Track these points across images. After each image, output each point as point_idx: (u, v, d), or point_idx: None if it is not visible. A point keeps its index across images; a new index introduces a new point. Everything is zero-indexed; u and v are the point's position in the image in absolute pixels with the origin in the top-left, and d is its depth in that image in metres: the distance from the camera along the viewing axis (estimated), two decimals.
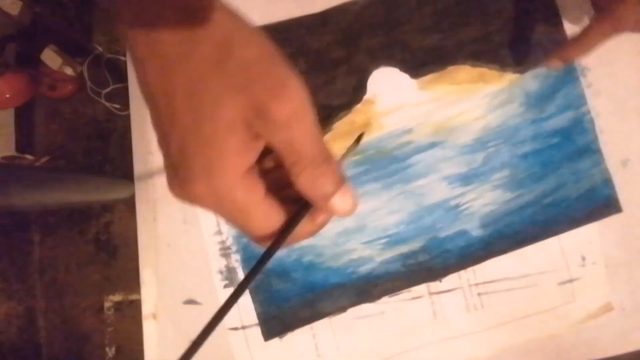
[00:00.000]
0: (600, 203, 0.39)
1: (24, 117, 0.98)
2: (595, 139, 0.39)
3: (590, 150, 0.39)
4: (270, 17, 0.38)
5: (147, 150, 0.38)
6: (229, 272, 0.38)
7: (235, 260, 0.38)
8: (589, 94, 0.40)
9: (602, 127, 0.40)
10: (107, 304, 0.97)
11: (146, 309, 0.37)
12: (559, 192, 0.39)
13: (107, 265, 0.99)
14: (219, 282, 0.38)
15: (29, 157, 0.96)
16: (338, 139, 0.38)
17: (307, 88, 0.20)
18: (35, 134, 1.01)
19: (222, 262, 0.38)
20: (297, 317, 0.37)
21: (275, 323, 0.37)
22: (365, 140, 0.38)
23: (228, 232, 0.38)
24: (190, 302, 0.38)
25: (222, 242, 0.38)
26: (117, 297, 0.98)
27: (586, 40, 0.35)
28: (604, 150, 0.39)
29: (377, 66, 0.38)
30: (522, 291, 0.39)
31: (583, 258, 0.39)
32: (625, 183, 0.40)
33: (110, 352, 0.98)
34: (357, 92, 0.38)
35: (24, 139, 0.97)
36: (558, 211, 0.38)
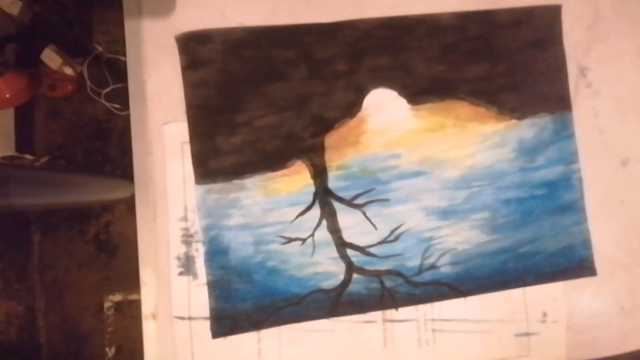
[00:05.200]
0: (575, 263, 0.39)
1: (23, 117, 0.97)
2: (581, 197, 0.39)
3: (574, 208, 0.39)
4: (272, 20, 0.38)
5: (147, 150, 0.38)
6: (187, 260, 0.37)
7: (196, 250, 0.37)
8: (589, 93, 0.40)
9: (602, 127, 0.40)
10: (107, 304, 0.97)
11: (146, 309, 0.37)
12: (534, 244, 0.38)
13: (107, 265, 0.99)
14: (174, 268, 0.37)
15: (29, 157, 0.95)
16: (327, 151, 0.38)
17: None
18: (35, 134, 1.01)
19: (182, 249, 0.37)
20: (250, 321, 0.37)
21: (226, 322, 0.37)
22: (351, 156, 0.38)
23: (195, 221, 0.37)
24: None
25: (186, 228, 0.37)
26: (117, 297, 0.98)
27: None
28: (605, 150, 0.39)
29: (376, 86, 0.38)
30: (477, 335, 0.38)
31: (544, 314, 0.39)
32: (624, 183, 0.40)
33: (110, 352, 0.98)
34: (352, 107, 0.38)
35: (24, 139, 0.97)
36: (531, 263, 0.38)
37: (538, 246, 0.38)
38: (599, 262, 0.39)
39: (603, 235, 0.40)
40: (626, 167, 0.40)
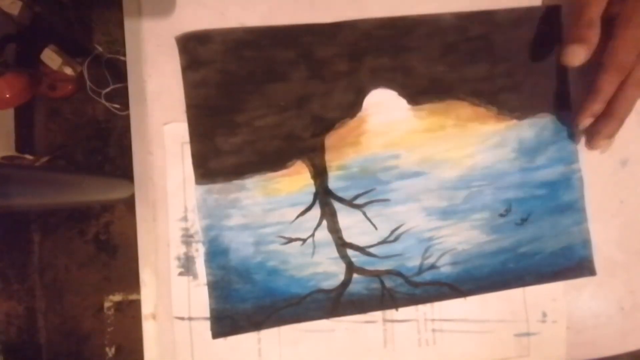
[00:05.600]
0: (575, 263, 0.39)
1: (23, 117, 0.98)
2: (581, 197, 0.39)
3: (574, 208, 0.39)
4: (272, 20, 0.38)
5: (147, 150, 0.38)
6: (187, 260, 0.37)
7: (196, 250, 0.37)
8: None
9: None
10: (107, 304, 0.98)
11: (146, 309, 0.37)
12: (534, 244, 0.38)
13: (107, 265, 0.99)
14: (174, 268, 0.37)
15: (28, 157, 0.96)
16: (327, 151, 0.37)
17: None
18: (35, 133, 1.01)
19: (182, 249, 0.37)
20: (250, 321, 0.37)
21: (227, 323, 0.37)
22: (351, 157, 0.38)
23: (195, 221, 0.37)
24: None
25: (186, 229, 0.37)
26: (117, 297, 0.98)
27: (601, 93, 0.36)
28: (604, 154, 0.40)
29: (377, 86, 0.38)
30: (477, 335, 0.38)
31: (544, 314, 0.39)
32: (624, 183, 0.40)
33: (110, 352, 0.98)
34: (352, 108, 0.38)
35: (24, 139, 0.97)
36: (531, 263, 0.38)
37: (538, 246, 0.39)
38: (598, 262, 0.39)
39: (602, 235, 0.40)
40: (625, 167, 0.40)
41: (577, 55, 0.36)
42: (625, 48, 0.35)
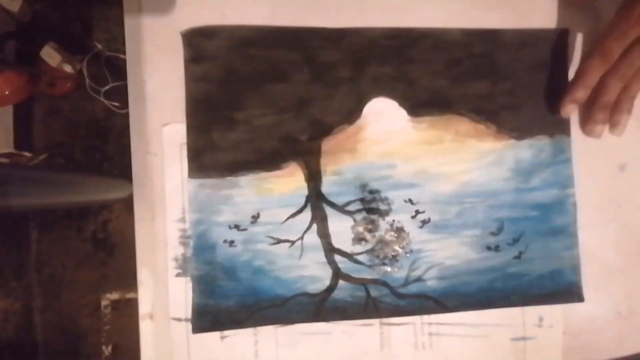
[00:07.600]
0: (562, 288, 0.39)
1: (22, 114, 0.97)
2: (574, 222, 0.39)
3: (566, 232, 0.39)
4: (273, 21, 0.38)
5: (146, 150, 0.38)
6: (184, 261, 0.37)
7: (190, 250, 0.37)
8: None
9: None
10: (104, 302, 0.97)
11: (143, 309, 0.37)
12: (524, 265, 0.38)
13: (105, 263, 0.99)
14: (172, 269, 0.37)
15: (27, 154, 0.95)
16: (323, 155, 0.38)
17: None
18: (33, 131, 1.01)
19: (180, 250, 0.37)
20: (231, 318, 0.37)
21: (208, 318, 0.37)
22: (346, 163, 0.38)
23: (189, 219, 0.37)
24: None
25: (184, 230, 0.37)
26: (114, 296, 0.97)
27: (583, 78, 0.36)
28: (603, 154, 0.40)
29: (378, 95, 0.38)
30: (474, 339, 0.38)
31: (541, 319, 0.39)
32: (622, 187, 0.40)
33: (107, 350, 0.98)
34: (351, 114, 0.38)
35: (23, 136, 0.97)
36: (519, 283, 0.38)
37: (527, 268, 0.38)
38: (595, 266, 0.39)
39: (600, 240, 0.40)
40: (624, 171, 0.40)
41: (571, 112, 0.37)
42: (611, 37, 0.35)
